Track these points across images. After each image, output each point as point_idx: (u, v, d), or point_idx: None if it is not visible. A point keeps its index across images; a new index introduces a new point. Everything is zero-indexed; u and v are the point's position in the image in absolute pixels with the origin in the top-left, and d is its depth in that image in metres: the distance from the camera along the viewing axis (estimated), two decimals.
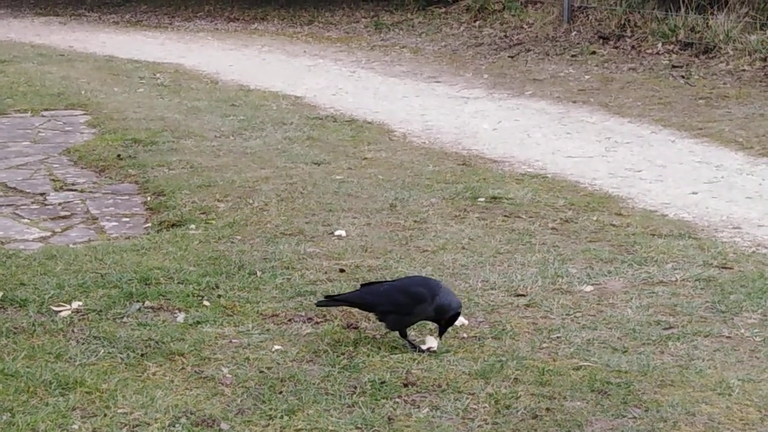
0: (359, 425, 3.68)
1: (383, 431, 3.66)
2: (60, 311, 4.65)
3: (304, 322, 4.58)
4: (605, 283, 5.08)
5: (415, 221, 6.04)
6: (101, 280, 5.02)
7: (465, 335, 4.45)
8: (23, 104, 9.91)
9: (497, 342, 4.38)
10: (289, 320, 4.59)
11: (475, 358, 4.21)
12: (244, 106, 9.77)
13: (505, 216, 6.19)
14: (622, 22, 12.79)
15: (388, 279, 4.85)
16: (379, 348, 4.31)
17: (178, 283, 4.99)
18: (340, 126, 8.90)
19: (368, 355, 4.23)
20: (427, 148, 8.17)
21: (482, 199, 6.52)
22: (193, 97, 10.25)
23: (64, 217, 6.41)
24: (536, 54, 12.68)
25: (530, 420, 3.71)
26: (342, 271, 5.18)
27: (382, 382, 3.98)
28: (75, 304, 4.72)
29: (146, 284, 4.97)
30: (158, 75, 11.71)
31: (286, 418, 3.72)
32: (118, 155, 7.75)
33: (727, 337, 4.44)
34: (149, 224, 6.19)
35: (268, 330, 4.48)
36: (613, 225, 6.05)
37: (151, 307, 4.71)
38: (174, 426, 3.66)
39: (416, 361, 4.17)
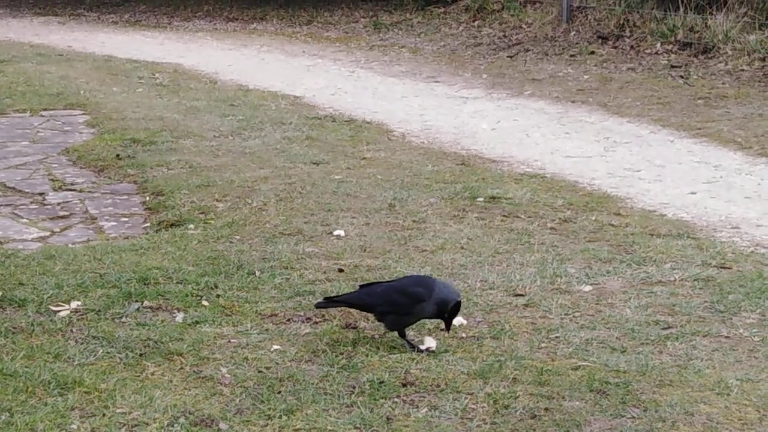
0: (358, 425, 3.68)
1: (382, 431, 3.66)
2: (59, 311, 4.65)
3: (303, 322, 4.58)
4: (604, 283, 5.08)
5: (414, 221, 6.04)
6: (100, 279, 5.02)
7: (464, 335, 4.45)
8: (22, 104, 9.91)
9: (496, 342, 4.38)
10: (288, 320, 4.59)
11: (474, 358, 4.21)
12: (243, 105, 9.77)
13: (504, 216, 6.19)
14: (621, 22, 12.79)
15: (387, 279, 4.85)
16: (378, 348, 4.31)
17: (177, 283, 4.99)
18: (339, 126, 8.90)
19: (367, 355, 4.23)
20: (426, 148, 8.17)
21: (481, 199, 6.52)
22: (192, 96, 10.25)
23: (62, 217, 6.41)
24: (535, 54, 12.68)
25: (529, 420, 3.71)
26: (341, 270, 5.18)
27: (381, 382, 3.98)
28: (74, 304, 4.72)
29: (145, 284, 4.97)
30: (157, 75, 11.71)
31: (284, 417, 3.72)
32: (117, 155, 7.75)
33: (726, 337, 4.44)
34: (148, 224, 6.19)
35: (266, 330, 4.48)
36: (612, 225, 6.05)
37: (150, 307, 4.71)
38: (173, 426, 3.66)
39: (415, 361, 4.17)
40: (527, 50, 12.89)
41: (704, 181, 7.15)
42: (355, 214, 6.17)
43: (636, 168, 7.55)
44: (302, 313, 4.65)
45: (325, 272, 5.16)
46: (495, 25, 14.44)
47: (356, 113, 9.53)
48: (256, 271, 5.15)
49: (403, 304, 4.25)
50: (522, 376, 4.03)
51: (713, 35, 11.57)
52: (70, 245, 5.72)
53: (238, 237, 5.72)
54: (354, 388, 3.94)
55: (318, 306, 4.49)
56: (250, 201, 6.40)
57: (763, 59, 10.94)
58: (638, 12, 12.70)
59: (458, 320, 4.56)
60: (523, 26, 14.04)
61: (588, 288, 5.01)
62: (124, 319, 4.58)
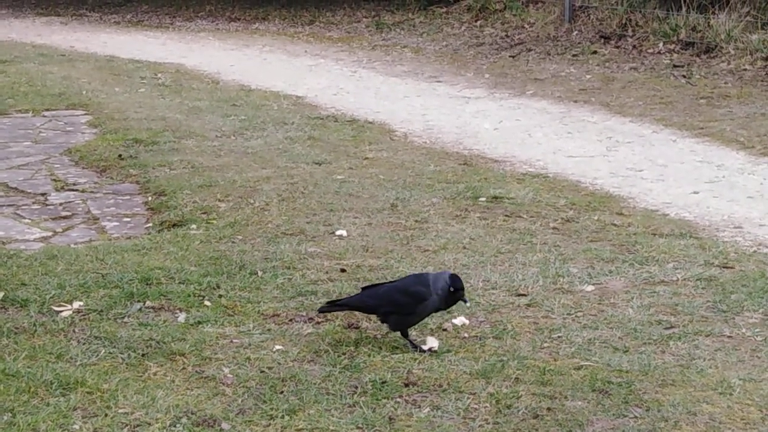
0: (360, 425, 3.68)
1: (384, 431, 3.66)
2: (61, 311, 4.65)
3: (305, 322, 4.58)
4: (606, 283, 5.07)
5: (417, 221, 6.04)
6: (102, 280, 5.02)
7: (466, 335, 4.45)
8: (24, 104, 9.91)
9: (498, 342, 4.38)
10: (290, 320, 4.59)
11: (476, 357, 4.21)
12: (245, 106, 9.77)
13: (506, 216, 6.19)
14: (624, 21, 12.79)
15: (389, 280, 4.85)
16: (380, 348, 4.31)
17: (179, 283, 4.99)
18: (342, 126, 8.90)
19: (369, 355, 4.23)
20: (429, 147, 8.16)
21: (483, 199, 6.52)
22: (195, 97, 10.25)
23: (65, 217, 6.41)
24: (537, 54, 12.68)
25: (531, 420, 3.71)
26: (343, 270, 5.18)
27: (383, 382, 3.98)
28: (76, 304, 4.72)
29: (147, 284, 4.97)
30: (159, 75, 11.71)
31: (287, 417, 3.72)
32: (119, 155, 7.75)
33: (729, 337, 4.44)
34: (150, 224, 6.19)
35: (269, 330, 4.48)
36: (615, 225, 6.05)
37: (152, 307, 4.72)
38: (175, 426, 3.66)
39: (417, 361, 4.17)
40: (529, 50, 12.88)
41: (707, 181, 7.15)
42: (357, 214, 6.16)
43: (638, 168, 7.54)
44: (304, 313, 4.65)
45: (327, 272, 5.16)
46: (497, 24, 14.44)
47: (358, 113, 9.53)
48: (259, 271, 5.15)
49: (405, 304, 4.25)
50: (524, 376, 4.03)
51: (716, 35, 11.57)
52: (72, 245, 5.72)
53: (240, 237, 5.72)
54: (356, 388, 3.94)
55: (321, 311, 4.49)
56: (252, 201, 6.40)
57: (766, 59, 10.93)
58: (641, 11, 12.69)
59: (460, 320, 4.56)
60: (526, 26, 14.03)
61: (590, 288, 5.00)
62: (126, 320, 4.58)
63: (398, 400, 3.86)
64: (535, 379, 4.00)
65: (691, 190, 6.92)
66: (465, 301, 4.35)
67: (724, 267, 5.30)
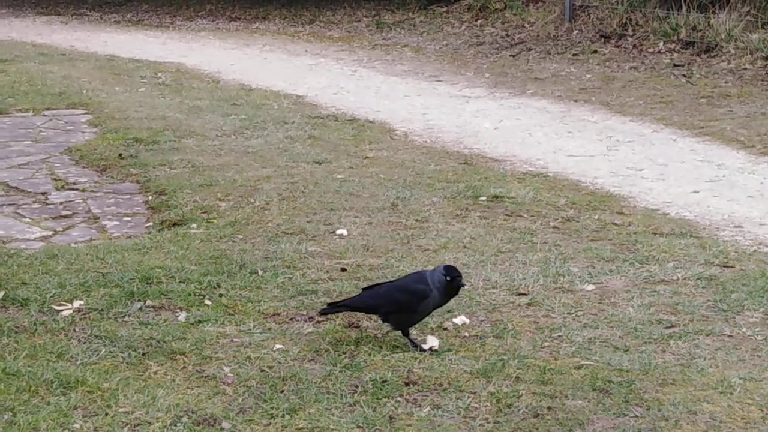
0: (360, 424, 3.68)
1: (385, 430, 3.66)
2: (61, 310, 4.65)
3: (306, 321, 4.58)
4: (607, 282, 5.07)
5: (417, 220, 6.04)
6: (103, 279, 5.02)
7: (466, 334, 4.45)
8: (25, 103, 9.91)
9: (499, 341, 4.38)
10: (291, 319, 4.59)
11: (477, 357, 4.21)
12: (245, 105, 9.77)
13: (507, 215, 6.19)
14: (624, 20, 12.79)
15: (389, 279, 4.85)
16: (381, 347, 4.31)
17: (180, 282, 4.99)
18: (342, 125, 8.90)
19: (369, 354, 4.23)
20: (429, 147, 8.16)
21: (484, 198, 6.52)
22: (195, 96, 10.25)
23: (65, 217, 6.41)
24: (538, 53, 12.67)
25: (532, 419, 3.71)
26: (343, 270, 5.18)
27: (384, 381, 3.98)
28: (76, 303, 4.72)
29: (148, 283, 4.97)
30: (160, 74, 11.71)
31: (287, 417, 3.72)
32: (120, 154, 7.75)
33: (729, 336, 4.44)
34: (151, 223, 6.19)
35: (269, 329, 4.48)
36: (615, 224, 6.05)
37: (153, 306, 4.72)
38: (175, 425, 3.66)
39: (418, 360, 4.17)
40: (530, 49, 12.88)
41: (707, 180, 7.15)
42: (357, 213, 6.17)
43: (639, 167, 7.54)
44: (305, 312, 4.65)
45: (327, 271, 5.16)
46: (497, 24, 14.43)
47: (359, 112, 9.53)
48: (259, 271, 5.15)
49: (408, 303, 4.25)
50: (525, 375, 4.03)
51: (716, 34, 11.57)
52: (72, 245, 5.72)
53: (240, 236, 5.72)
54: (357, 387, 3.94)
55: (322, 312, 4.48)
56: (252, 200, 6.40)
57: (766, 58, 10.93)
58: (641, 11, 12.69)
59: (461, 319, 4.56)
60: (526, 25, 14.03)
61: (591, 287, 5.00)
62: (126, 319, 4.58)
63: (399, 399, 3.86)
64: (535, 379, 4.00)
65: (692, 189, 6.92)
66: (463, 285, 4.33)
67: (724, 266, 5.30)
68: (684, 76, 10.87)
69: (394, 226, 5.92)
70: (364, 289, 4.50)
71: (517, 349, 4.27)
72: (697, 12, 11.97)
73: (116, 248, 5.52)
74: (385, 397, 3.87)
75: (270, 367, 4.11)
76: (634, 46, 12.27)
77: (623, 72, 11.34)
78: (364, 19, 16.19)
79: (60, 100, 10.07)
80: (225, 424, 3.67)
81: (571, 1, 13.52)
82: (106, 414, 3.72)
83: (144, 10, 18.94)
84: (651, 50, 12.00)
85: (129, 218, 6.34)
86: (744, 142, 8.17)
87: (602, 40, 12.68)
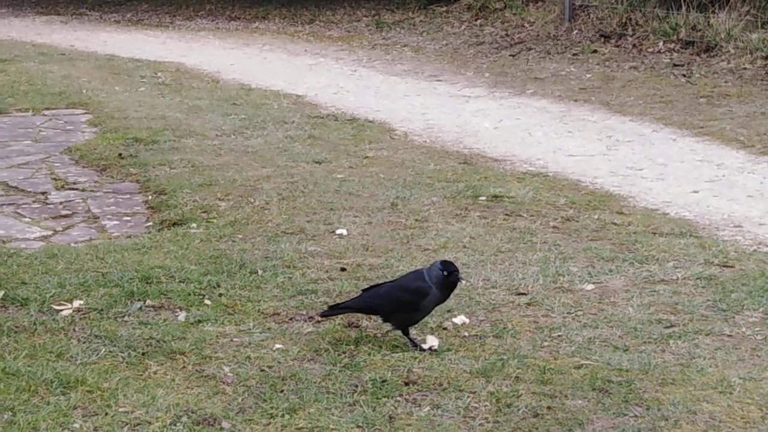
0: (360, 424, 3.68)
1: (384, 430, 3.66)
2: (61, 310, 4.66)
3: (306, 320, 4.58)
4: (606, 282, 5.08)
5: (417, 220, 6.04)
6: (102, 278, 5.02)
7: (466, 334, 4.45)
8: (24, 103, 9.91)
9: (498, 340, 4.38)
10: (291, 319, 4.59)
11: (477, 356, 4.21)
12: (245, 104, 9.77)
13: (507, 215, 6.19)
14: (624, 20, 12.79)
15: (389, 279, 4.85)
16: (380, 347, 4.31)
17: (180, 281, 4.99)
18: (342, 125, 8.90)
19: (369, 354, 4.23)
20: (429, 146, 8.17)
21: (483, 198, 6.52)
22: (195, 96, 10.25)
23: (65, 216, 6.41)
24: (537, 52, 12.67)
25: (531, 418, 3.71)
26: (343, 269, 5.18)
27: (384, 381, 3.98)
28: (76, 303, 4.72)
29: (147, 283, 4.97)
30: (159, 74, 11.71)
31: (287, 416, 3.72)
32: (120, 154, 7.75)
33: (729, 336, 4.44)
34: (150, 223, 6.19)
35: (269, 329, 4.48)
36: (615, 223, 6.05)
37: (153, 306, 4.72)
38: (175, 425, 3.66)
39: (417, 360, 4.17)
40: (529, 49, 12.88)
41: (707, 180, 7.15)
42: (357, 212, 6.17)
43: (638, 167, 7.54)
44: (305, 312, 4.65)
45: (327, 271, 5.16)
46: (497, 23, 14.43)
47: (358, 112, 9.53)
48: (259, 270, 5.15)
49: (408, 301, 4.25)
50: (524, 375, 4.03)
51: (716, 34, 11.57)
52: (72, 244, 5.72)
53: (240, 236, 5.72)
54: (356, 386, 3.94)
55: (323, 315, 4.48)
56: (252, 200, 6.40)
57: (766, 58, 10.93)
58: (641, 10, 12.69)
59: (461, 319, 4.56)
60: (526, 25, 14.03)
61: (590, 287, 5.00)
62: (126, 318, 4.58)
63: (398, 398, 3.86)
64: (535, 378, 4.00)
65: (691, 189, 6.92)
66: (460, 279, 4.33)
67: (724, 266, 5.30)
68: (684, 75, 10.87)
69: (393, 226, 5.92)
70: (363, 290, 4.49)
71: (516, 349, 4.28)
72: (696, 12, 11.97)
73: (116, 248, 5.52)
74: (384, 396, 3.87)
75: (270, 367, 4.11)
76: (634, 45, 12.27)
77: (623, 72, 11.34)
78: (364, 18, 16.19)
79: (60, 100, 10.06)
80: (225, 424, 3.67)
81: (570, 1, 13.52)
82: (106, 414, 3.72)
83: (144, 9, 18.94)
84: (651, 50, 12.00)
85: (129, 218, 6.34)
86: (744, 142, 8.17)
87: (602, 39, 12.68)
